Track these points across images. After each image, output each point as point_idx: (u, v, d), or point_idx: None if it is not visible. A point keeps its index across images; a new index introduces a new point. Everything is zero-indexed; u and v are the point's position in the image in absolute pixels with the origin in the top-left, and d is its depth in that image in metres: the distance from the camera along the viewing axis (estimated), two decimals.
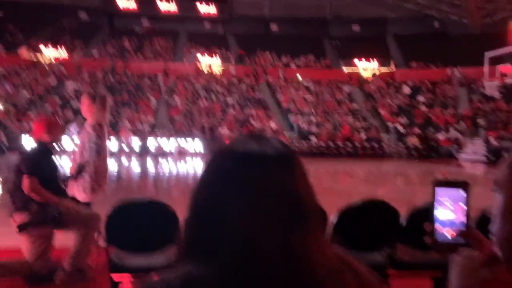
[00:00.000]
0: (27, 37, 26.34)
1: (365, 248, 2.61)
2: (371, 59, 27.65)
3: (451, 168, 16.83)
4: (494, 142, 19.50)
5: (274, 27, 31.72)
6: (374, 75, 27.17)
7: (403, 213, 2.83)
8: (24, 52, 25.00)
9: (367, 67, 27.52)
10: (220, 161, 0.67)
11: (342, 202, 2.85)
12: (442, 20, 29.55)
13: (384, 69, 27.52)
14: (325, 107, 23.35)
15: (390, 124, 21.92)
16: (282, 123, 22.04)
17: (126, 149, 18.47)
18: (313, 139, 20.38)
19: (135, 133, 19.13)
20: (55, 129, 3.20)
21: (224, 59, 27.83)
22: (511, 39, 14.28)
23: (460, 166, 17.54)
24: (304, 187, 0.67)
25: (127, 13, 30.96)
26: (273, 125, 21.23)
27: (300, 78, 26.41)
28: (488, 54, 14.58)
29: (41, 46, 25.31)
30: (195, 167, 15.70)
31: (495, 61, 15.32)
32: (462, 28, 27.97)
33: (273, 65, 27.75)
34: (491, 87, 15.73)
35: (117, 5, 30.70)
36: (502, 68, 14.80)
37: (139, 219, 2.57)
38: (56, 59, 25.02)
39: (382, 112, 22.91)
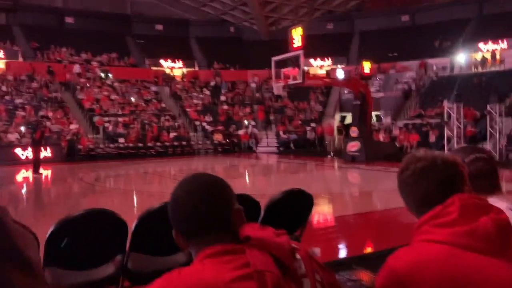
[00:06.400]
0: None
1: (94, 262, 2.63)
2: (176, 60, 28.28)
3: (251, 160, 18.88)
4: (282, 135, 22.71)
5: (69, 21, 29.03)
6: (180, 74, 27.90)
7: None
8: None
9: (173, 67, 28.04)
10: None
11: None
12: (237, 26, 32.44)
13: (189, 69, 28.57)
14: (133, 107, 22.83)
15: (197, 123, 22.98)
16: (85, 125, 20.55)
17: None
18: (121, 141, 19.71)
19: None
20: None
21: (9, 54, 24.07)
22: (292, 46, 16.62)
23: (258, 158, 19.82)
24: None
25: None
26: (74, 127, 19.57)
27: (103, 75, 25.01)
28: (274, 59, 16.64)
29: None
30: None
31: (281, 65, 17.45)
32: (254, 34, 31.32)
33: (71, 61, 25.41)
34: (278, 88, 18.15)
35: None
36: (286, 71, 16.94)
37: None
38: None
39: (189, 111, 23.82)
